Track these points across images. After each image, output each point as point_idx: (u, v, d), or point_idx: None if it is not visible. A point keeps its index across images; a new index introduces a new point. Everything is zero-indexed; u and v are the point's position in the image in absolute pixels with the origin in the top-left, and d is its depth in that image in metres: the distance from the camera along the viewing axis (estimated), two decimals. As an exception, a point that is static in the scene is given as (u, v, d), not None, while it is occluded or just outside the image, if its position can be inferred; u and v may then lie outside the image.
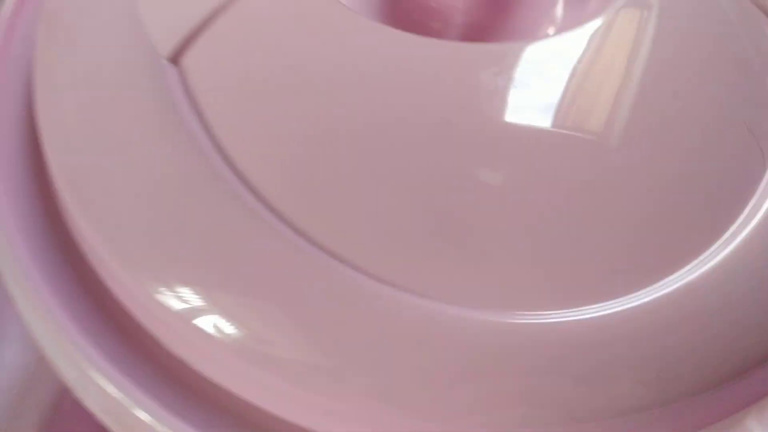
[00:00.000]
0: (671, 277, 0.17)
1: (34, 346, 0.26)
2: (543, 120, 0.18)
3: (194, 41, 0.19)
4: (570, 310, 0.16)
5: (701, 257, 0.17)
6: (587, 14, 0.23)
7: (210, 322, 0.16)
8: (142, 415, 0.17)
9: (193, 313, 0.16)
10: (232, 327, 0.16)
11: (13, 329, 0.38)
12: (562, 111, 0.19)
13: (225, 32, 0.20)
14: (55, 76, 0.21)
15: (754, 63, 0.21)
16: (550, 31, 0.24)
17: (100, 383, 0.18)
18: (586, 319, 0.16)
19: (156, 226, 0.18)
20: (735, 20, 0.22)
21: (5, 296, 0.38)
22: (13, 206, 0.21)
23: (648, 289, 0.17)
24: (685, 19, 0.21)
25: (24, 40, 0.23)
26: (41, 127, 0.20)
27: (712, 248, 0.18)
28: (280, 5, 0.20)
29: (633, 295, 0.16)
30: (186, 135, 0.18)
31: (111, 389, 0.18)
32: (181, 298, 0.17)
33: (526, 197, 0.17)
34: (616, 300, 0.16)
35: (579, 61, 0.19)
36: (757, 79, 0.20)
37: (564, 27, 0.24)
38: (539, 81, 0.19)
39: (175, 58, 0.19)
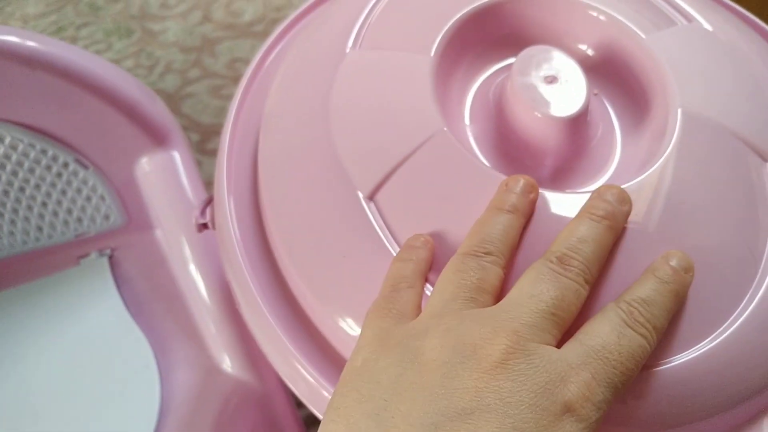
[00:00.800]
0: (713, 335, 0.27)
1: (201, 366, 0.41)
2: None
3: (384, 185, 0.31)
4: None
5: (727, 321, 0.28)
6: (641, 155, 0.34)
7: (354, 330, 0.28)
8: (327, 395, 0.29)
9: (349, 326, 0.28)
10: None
11: (182, 355, 0.48)
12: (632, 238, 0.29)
13: (403, 181, 0.31)
14: (274, 174, 0.34)
15: (757, 201, 0.31)
16: (613, 167, 0.35)
17: (302, 373, 0.29)
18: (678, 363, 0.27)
19: (339, 280, 0.29)
20: (744, 166, 0.32)
21: (173, 328, 0.51)
22: (247, 259, 0.33)
23: (706, 340, 0.27)
24: (712, 164, 0.31)
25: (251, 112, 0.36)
26: (267, 208, 0.33)
27: (733, 316, 0.28)
28: (439, 162, 0.31)
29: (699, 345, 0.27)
30: (377, 240, 0.30)
31: (307, 375, 0.29)
32: (347, 322, 0.28)
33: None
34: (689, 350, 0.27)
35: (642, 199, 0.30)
36: (753, 214, 0.30)
37: (624, 163, 0.35)
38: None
39: (371, 196, 0.31)
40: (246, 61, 0.91)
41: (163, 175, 0.50)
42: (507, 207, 0.29)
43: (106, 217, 0.53)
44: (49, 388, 0.47)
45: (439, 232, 0.30)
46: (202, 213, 0.36)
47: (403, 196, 0.31)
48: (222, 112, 0.85)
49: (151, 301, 0.51)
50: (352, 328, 0.30)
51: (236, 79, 0.89)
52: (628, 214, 0.29)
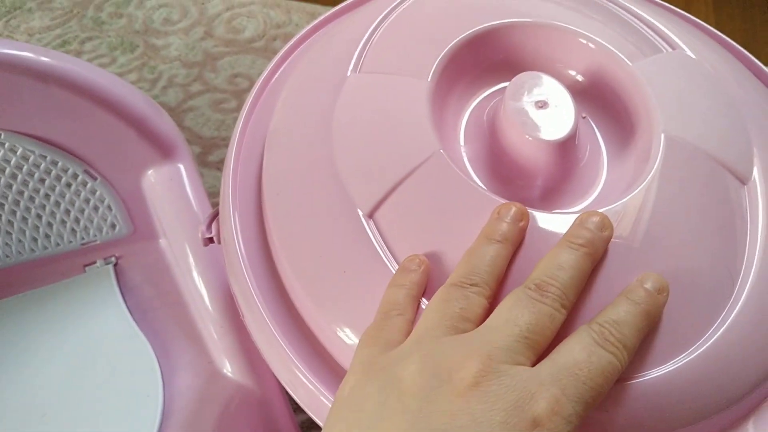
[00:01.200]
0: (690, 350, 0.29)
1: (203, 371, 0.42)
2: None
3: (383, 203, 0.33)
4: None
5: (704, 336, 0.30)
6: (626, 177, 0.36)
7: (353, 341, 0.31)
8: (325, 401, 0.31)
9: (348, 336, 0.30)
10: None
11: (184, 360, 0.50)
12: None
13: (401, 200, 0.33)
14: (278, 191, 0.36)
15: (735, 221, 0.33)
16: (599, 188, 0.37)
17: (302, 380, 0.32)
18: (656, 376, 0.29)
19: (340, 294, 0.32)
20: (724, 188, 0.34)
21: (175, 334, 0.52)
22: (251, 271, 0.34)
23: (682, 355, 0.29)
24: (693, 186, 0.33)
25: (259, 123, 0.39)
26: (271, 223, 0.35)
27: (709, 331, 0.30)
28: (435, 183, 0.33)
29: (675, 359, 0.29)
30: (376, 256, 0.31)
31: (307, 383, 0.31)
32: (346, 332, 0.31)
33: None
34: (665, 364, 0.29)
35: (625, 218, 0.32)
36: (731, 234, 0.32)
37: (609, 184, 0.37)
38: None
39: (371, 214, 0.33)
40: (246, 76, 0.93)
41: (168, 187, 0.52)
42: (497, 236, 0.30)
43: (113, 227, 0.54)
44: (54, 391, 0.49)
45: (435, 251, 0.32)
46: (208, 227, 0.38)
47: (401, 214, 0.33)
48: (222, 125, 0.87)
49: (155, 308, 0.53)
50: (350, 338, 0.32)
51: (237, 94, 0.91)
52: (608, 239, 0.31)
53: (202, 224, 0.38)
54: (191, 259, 0.50)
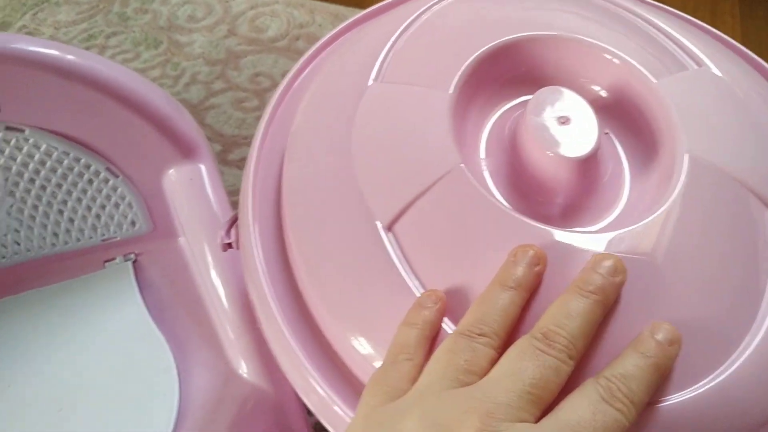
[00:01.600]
0: (719, 370, 0.29)
1: (219, 371, 0.43)
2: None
3: (402, 216, 0.33)
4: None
5: (725, 364, 0.29)
6: (649, 195, 0.35)
7: (367, 351, 0.31)
8: (336, 408, 0.32)
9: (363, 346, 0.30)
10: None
11: (200, 359, 0.50)
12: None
13: (420, 213, 0.33)
14: (297, 200, 0.36)
15: (758, 246, 0.33)
16: (621, 206, 0.36)
17: (315, 387, 0.32)
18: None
19: (356, 304, 0.32)
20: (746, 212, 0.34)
21: (193, 333, 0.52)
22: (269, 278, 0.35)
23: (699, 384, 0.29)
24: (716, 209, 0.33)
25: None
26: (289, 231, 0.35)
27: (730, 359, 0.30)
28: (455, 198, 0.33)
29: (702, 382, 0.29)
30: (393, 269, 0.32)
31: (320, 390, 0.32)
32: (361, 342, 0.31)
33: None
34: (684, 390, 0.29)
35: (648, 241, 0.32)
36: (754, 259, 0.32)
37: (631, 202, 0.36)
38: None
39: (389, 226, 0.33)
40: (268, 75, 0.93)
41: (188, 187, 0.52)
42: (510, 283, 0.29)
43: (132, 224, 0.55)
44: (71, 386, 0.49)
45: (453, 267, 0.32)
46: (227, 233, 0.38)
47: (420, 228, 0.33)
48: (243, 123, 0.88)
49: (173, 306, 0.53)
50: (365, 348, 0.32)
51: (258, 93, 0.91)
52: (621, 285, 0.29)
53: (222, 228, 0.38)
54: (210, 260, 0.50)
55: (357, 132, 0.36)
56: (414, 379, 0.29)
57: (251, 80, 0.92)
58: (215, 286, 0.50)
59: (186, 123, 0.52)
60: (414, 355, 0.29)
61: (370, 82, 0.38)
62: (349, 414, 0.32)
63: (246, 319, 0.49)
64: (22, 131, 0.48)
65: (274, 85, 0.92)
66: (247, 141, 0.85)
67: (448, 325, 0.30)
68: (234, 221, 0.39)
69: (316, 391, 0.33)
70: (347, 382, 0.33)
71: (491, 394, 0.25)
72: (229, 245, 0.39)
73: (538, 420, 0.25)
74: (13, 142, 0.48)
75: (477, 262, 0.31)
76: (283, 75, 0.93)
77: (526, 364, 0.26)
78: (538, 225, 0.32)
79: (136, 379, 0.49)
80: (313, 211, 0.35)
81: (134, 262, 0.56)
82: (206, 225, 0.51)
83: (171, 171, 0.53)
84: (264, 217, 0.37)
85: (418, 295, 0.31)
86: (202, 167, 0.53)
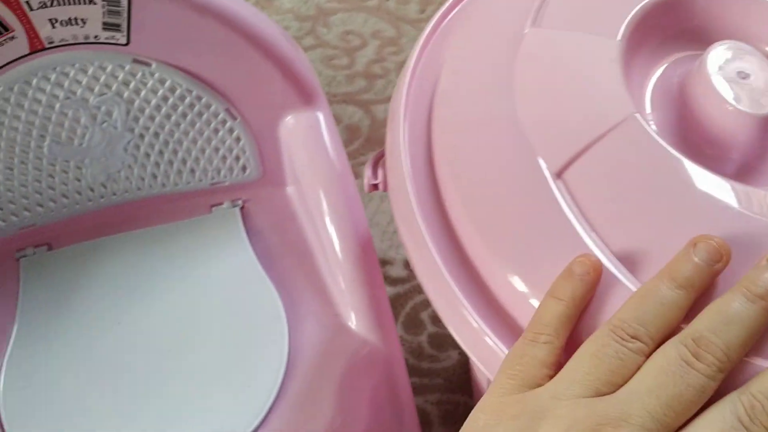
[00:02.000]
0: None
1: (328, 323, 0.42)
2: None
3: (573, 164, 0.31)
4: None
5: None
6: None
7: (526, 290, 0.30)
8: (487, 339, 0.31)
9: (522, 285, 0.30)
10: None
11: (310, 310, 0.49)
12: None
13: (592, 162, 0.31)
14: (453, 142, 0.35)
15: None
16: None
17: (467, 317, 0.31)
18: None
19: (520, 246, 0.31)
20: None
21: (301, 283, 0.52)
22: (422, 217, 0.33)
23: None
24: None
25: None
26: (444, 168, 0.35)
27: None
28: (631, 148, 0.31)
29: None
30: (561, 216, 0.30)
31: (472, 321, 0.31)
32: (518, 279, 0.31)
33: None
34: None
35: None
36: None
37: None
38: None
39: (559, 173, 0.31)
40: (358, 34, 0.92)
41: (306, 134, 0.51)
42: (680, 280, 0.26)
43: (243, 169, 0.54)
44: (178, 328, 0.49)
45: (627, 219, 0.30)
46: (374, 173, 0.37)
47: (591, 177, 0.31)
48: (333, 81, 0.86)
49: (281, 255, 0.52)
50: (523, 287, 0.31)
51: (348, 51, 0.90)
52: None
53: (368, 169, 0.37)
54: (325, 208, 0.49)
55: (518, 77, 0.34)
56: (552, 365, 0.27)
57: (341, 38, 0.91)
58: (330, 235, 0.49)
59: (307, 69, 0.51)
60: (555, 337, 0.27)
61: (527, 29, 0.36)
62: (502, 348, 0.30)
63: (361, 271, 0.48)
64: (149, 65, 0.47)
65: (364, 44, 0.90)
66: (338, 99, 0.84)
67: (619, 271, 0.29)
68: (377, 161, 0.38)
69: (470, 324, 0.31)
70: (501, 320, 0.32)
71: (626, 410, 0.24)
72: (375, 186, 0.38)
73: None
74: (138, 75, 0.47)
75: (656, 216, 0.30)
76: (373, 35, 0.91)
77: (667, 380, 0.24)
78: (728, 181, 0.30)
79: (245, 326, 0.49)
80: (472, 153, 0.34)
81: (241, 208, 0.55)
82: (323, 173, 0.50)
83: (289, 117, 0.52)
84: (413, 156, 0.36)
85: (588, 241, 0.30)
86: (320, 115, 0.51)
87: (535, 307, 0.29)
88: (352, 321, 0.49)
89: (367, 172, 0.37)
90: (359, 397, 0.47)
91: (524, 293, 0.31)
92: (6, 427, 0.44)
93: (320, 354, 0.47)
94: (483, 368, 0.32)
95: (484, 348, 0.31)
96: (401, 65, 0.88)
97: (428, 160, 0.36)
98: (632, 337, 0.25)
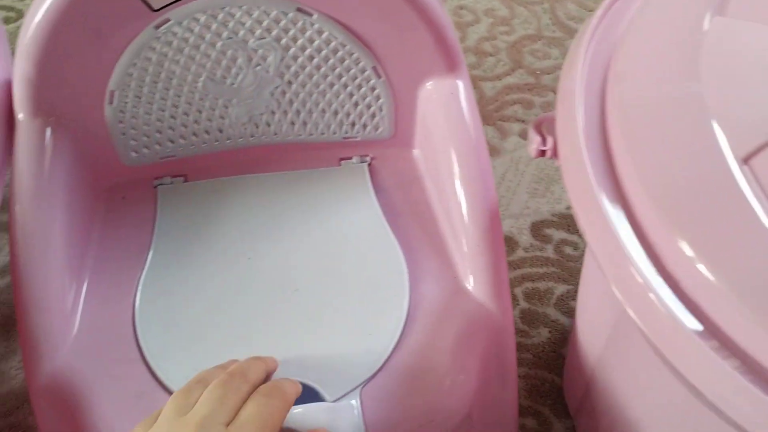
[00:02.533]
0: None
1: (447, 284, 0.43)
2: None
3: (762, 151, 0.32)
4: None
5: None
6: None
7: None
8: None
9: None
10: None
11: (430, 269, 0.51)
12: None
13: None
14: (630, 121, 0.36)
15: None
16: None
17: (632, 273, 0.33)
18: None
19: (698, 222, 0.32)
20: None
21: (423, 242, 0.53)
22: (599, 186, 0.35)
23: None
24: None
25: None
26: (620, 138, 0.36)
27: None
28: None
29: None
30: (744, 202, 0.31)
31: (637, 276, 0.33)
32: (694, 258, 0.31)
33: None
34: None
35: None
36: None
37: None
38: None
39: (746, 160, 0.32)
40: (472, 10, 0.92)
41: (446, 101, 0.52)
42: None
43: (376, 128, 0.56)
44: (306, 271, 0.51)
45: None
46: (544, 140, 0.38)
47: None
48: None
49: (405, 214, 0.54)
50: (697, 264, 0.32)
51: (461, 26, 0.90)
52: None
53: (536, 135, 0.38)
54: (456, 171, 0.50)
55: (705, 64, 0.35)
56: None
57: (454, 12, 0.92)
58: (458, 199, 0.50)
59: (454, 37, 0.52)
60: None
61: (712, 18, 0.37)
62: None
63: (487, 237, 0.49)
64: (311, 15, 0.49)
65: (477, 21, 0.91)
66: (447, 72, 0.85)
67: None
68: (539, 124, 0.39)
69: (635, 279, 0.33)
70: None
71: None
72: (543, 153, 0.39)
73: None
74: (299, 24, 0.49)
75: None
76: (486, 12, 0.91)
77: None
78: None
79: (369, 277, 0.50)
80: (650, 131, 0.35)
81: (369, 165, 0.57)
82: (459, 139, 0.51)
83: (430, 83, 0.53)
84: (587, 129, 0.37)
85: None
86: (460, 84, 0.53)
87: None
88: (470, 283, 0.50)
89: (536, 137, 0.38)
90: (473, 354, 0.48)
91: (699, 268, 0.31)
92: (140, 338, 0.47)
93: (438, 311, 0.49)
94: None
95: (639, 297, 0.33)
96: (513, 45, 0.88)
97: (602, 133, 0.37)
98: None
